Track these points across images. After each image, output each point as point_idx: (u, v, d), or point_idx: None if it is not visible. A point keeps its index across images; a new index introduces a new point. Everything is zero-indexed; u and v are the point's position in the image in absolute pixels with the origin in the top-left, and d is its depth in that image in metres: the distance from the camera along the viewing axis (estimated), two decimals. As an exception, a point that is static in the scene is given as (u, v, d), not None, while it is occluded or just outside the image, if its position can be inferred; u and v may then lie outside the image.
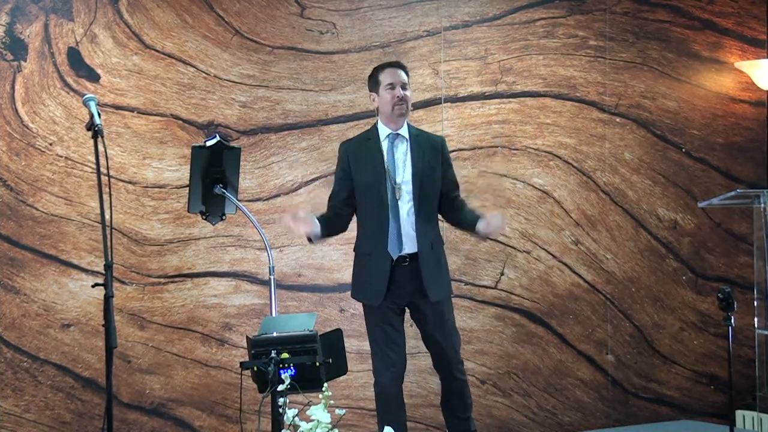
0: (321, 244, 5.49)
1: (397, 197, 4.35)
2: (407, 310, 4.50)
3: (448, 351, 4.43)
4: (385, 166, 4.38)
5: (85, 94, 3.90)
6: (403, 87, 4.40)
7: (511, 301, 5.88)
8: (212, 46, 5.33)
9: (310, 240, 4.43)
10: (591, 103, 6.09)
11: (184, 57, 5.27)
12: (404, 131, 4.44)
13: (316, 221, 4.33)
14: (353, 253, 4.53)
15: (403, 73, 4.44)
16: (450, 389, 4.49)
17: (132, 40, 5.17)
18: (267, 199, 5.44)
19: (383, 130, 4.45)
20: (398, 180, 4.37)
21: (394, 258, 4.34)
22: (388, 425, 4.18)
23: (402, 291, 4.37)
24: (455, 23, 5.81)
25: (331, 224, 4.44)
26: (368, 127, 4.58)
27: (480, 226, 4.38)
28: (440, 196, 4.46)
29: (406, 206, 4.36)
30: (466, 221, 4.47)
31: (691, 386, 6.26)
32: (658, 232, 6.23)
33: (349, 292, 5.51)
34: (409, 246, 4.35)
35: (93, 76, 5.10)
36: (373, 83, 4.47)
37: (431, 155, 4.44)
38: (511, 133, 5.89)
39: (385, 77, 4.42)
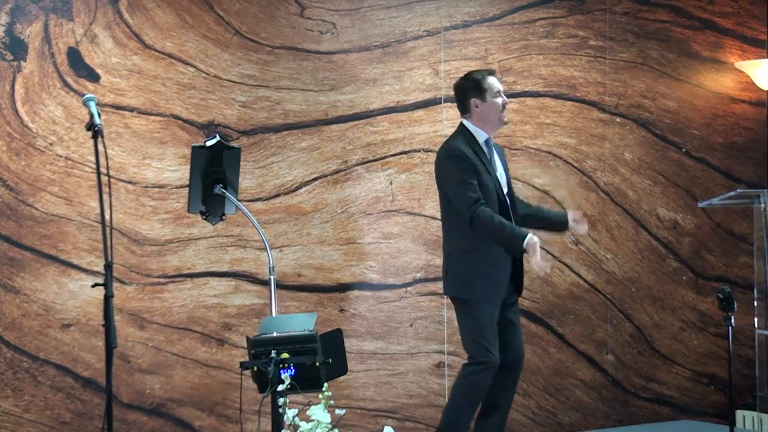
0: (321, 245, 5.50)
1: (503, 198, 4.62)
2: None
3: (520, 335, 4.72)
4: (493, 168, 4.60)
5: (85, 94, 3.90)
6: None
7: (511, 301, 5.88)
8: (212, 46, 5.33)
9: (519, 243, 4.47)
10: (591, 103, 6.09)
11: (184, 57, 5.27)
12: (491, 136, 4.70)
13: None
14: (459, 252, 4.60)
15: None
16: (516, 373, 4.70)
17: (132, 40, 5.17)
18: (267, 199, 5.44)
19: (479, 134, 4.64)
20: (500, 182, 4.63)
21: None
22: (470, 413, 4.55)
23: (509, 288, 4.65)
24: (455, 23, 5.81)
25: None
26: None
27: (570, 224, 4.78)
28: None
29: (505, 207, 4.60)
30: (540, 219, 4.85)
31: (691, 386, 6.27)
32: (658, 232, 6.23)
33: (349, 292, 5.54)
34: None
35: (93, 76, 5.10)
36: (476, 89, 4.62)
37: (505, 159, 4.77)
38: (511, 133, 5.89)
39: (492, 84, 4.62)
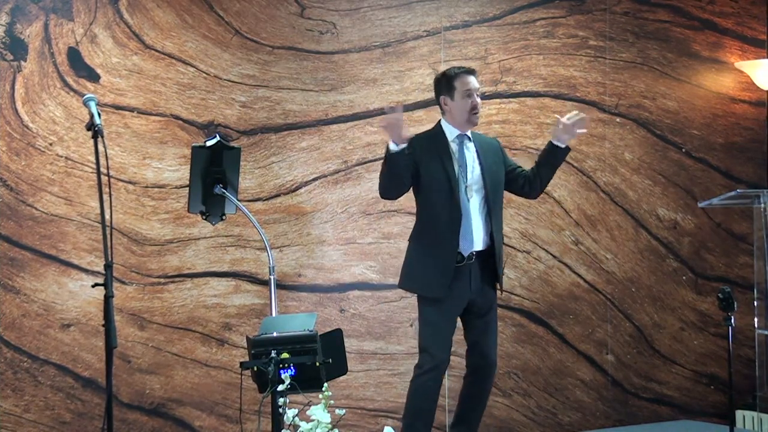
0: (321, 245, 5.50)
1: (469, 197, 4.45)
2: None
3: (494, 343, 4.57)
4: (455, 165, 4.47)
5: (85, 94, 3.90)
6: (478, 95, 4.54)
7: (511, 301, 5.88)
8: (212, 46, 5.33)
9: (388, 153, 4.29)
10: (591, 103, 6.09)
11: (184, 57, 5.28)
12: (470, 133, 4.57)
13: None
14: (409, 243, 4.60)
15: (476, 81, 4.55)
16: (484, 382, 4.57)
17: (132, 40, 5.17)
18: (267, 199, 5.44)
19: (451, 131, 4.54)
20: (469, 179, 4.48)
21: (466, 255, 4.43)
22: (418, 422, 4.38)
23: (469, 288, 4.46)
24: (455, 23, 5.81)
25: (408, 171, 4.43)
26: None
27: (556, 133, 4.50)
28: (514, 181, 4.62)
29: (476, 204, 4.47)
30: (540, 162, 4.60)
31: (691, 386, 6.26)
32: (658, 232, 6.23)
33: (349, 292, 5.54)
34: (479, 243, 4.47)
35: (93, 76, 5.10)
36: (447, 87, 4.53)
37: (493, 156, 4.59)
38: (511, 133, 5.89)
39: (462, 83, 4.50)
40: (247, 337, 4.16)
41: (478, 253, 4.47)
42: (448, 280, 4.41)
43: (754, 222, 5.78)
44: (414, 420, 4.45)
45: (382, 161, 4.40)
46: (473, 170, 4.50)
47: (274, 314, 4.53)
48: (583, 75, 6.07)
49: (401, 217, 5.63)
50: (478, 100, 4.53)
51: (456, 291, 4.44)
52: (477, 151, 4.54)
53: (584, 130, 4.56)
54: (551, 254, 5.97)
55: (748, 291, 6.03)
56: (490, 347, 4.56)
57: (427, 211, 4.52)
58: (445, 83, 4.54)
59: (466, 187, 4.45)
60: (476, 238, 4.45)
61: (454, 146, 4.51)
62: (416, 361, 4.50)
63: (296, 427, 3.35)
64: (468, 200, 4.45)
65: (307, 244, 5.49)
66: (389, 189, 4.47)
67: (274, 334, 4.11)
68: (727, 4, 6.40)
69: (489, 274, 4.52)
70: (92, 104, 3.70)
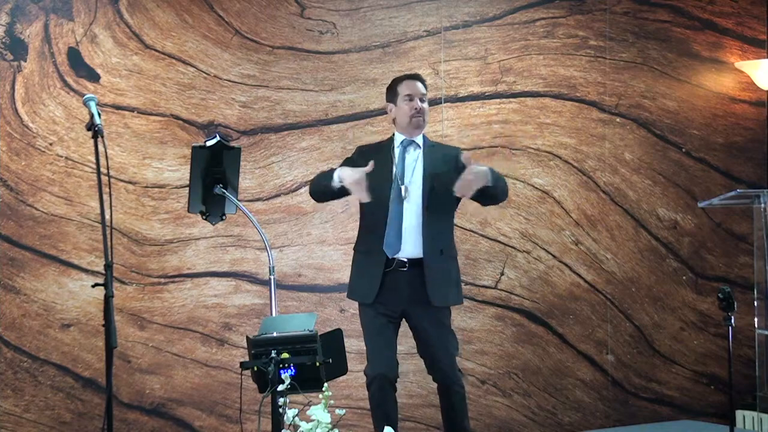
0: (321, 245, 5.49)
1: (404, 197, 4.35)
2: (403, 321, 4.47)
3: (444, 358, 4.39)
4: (393, 169, 4.40)
5: (85, 94, 3.90)
6: (421, 99, 4.44)
7: (511, 301, 5.88)
8: (212, 46, 5.33)
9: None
10: (591, 103, 6.09)
11: (184, 57, 5.28)
12: (419, 139, 4.48)
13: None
14: (353, 252, 4.57)
15: (421, 85, 4.47)
16: (447, 399, 4.43)
17: (132, 40, 5.17)
18: (267, 199, 5.44)
19: (398, 138, 4.49)
20: (406, 181, 4.38)
21: (390, 257, 4.33)
22: (381, 423, 4.25)
23: (398, 297, 4.35)
24: (455, 23, 5.81)
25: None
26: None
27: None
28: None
29: (413, 208, 4.36)
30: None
31: (691, 386, 6.26)
32: (658, 232, 6.23)
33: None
34: (412, 250, 4.34)
35: (93, 76, 5.10)
36: (392, 94, 4.50)
37: (445, 163, 4.43)
38: (511, 133, 5.89)
39: (403, 88, 4.46)
40: (247, 337, 4.16)
41: (413, 261, 4.33)
42: (376, 284, 4.32)
43: (754, 222, 5.78)
44: (377, 422, 4.40)
45: (320, 181, 4.38)
46: (413, 173, 4.40)
47: (274, 314, 4.52)
48: (583, 75, 6.07)
49: (401, 217, 5.63)
50: (421, 104, 4.42)
51: (386, 301, 4.35)
52: (423, 155, 4.43)
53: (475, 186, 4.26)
54: (551, 254, 5.97)
55: (748, 291, 6.03)
56: (445, 363, 4.37)
57: (363, 217, 4.49)
58: (390, 91, 4.53)
59: (401, 187, 4.35)
60: (406, 243, 4.33)
61: (397, 151, 4.44)
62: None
63: (296, 427, 3.35)
64: (402, 201, 4.34)
65: (307, 244, 5.49)
66: (318, 199, 4.55)
67: (274, 334, 4.10)
68: (727, 4, 6.40)
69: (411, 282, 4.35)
70: (92, 104, 3.70)
